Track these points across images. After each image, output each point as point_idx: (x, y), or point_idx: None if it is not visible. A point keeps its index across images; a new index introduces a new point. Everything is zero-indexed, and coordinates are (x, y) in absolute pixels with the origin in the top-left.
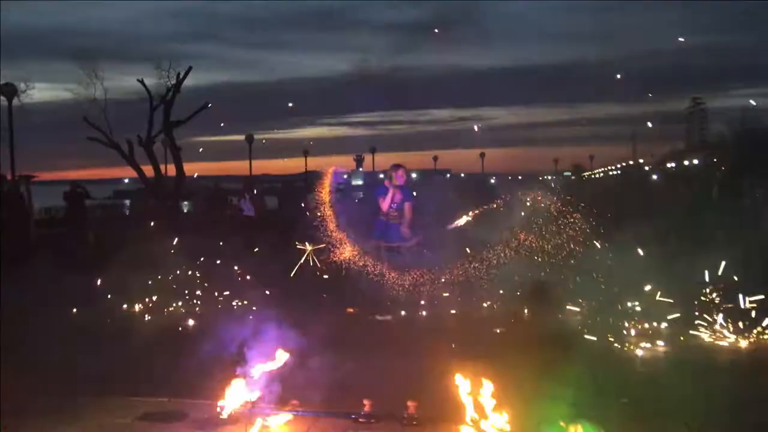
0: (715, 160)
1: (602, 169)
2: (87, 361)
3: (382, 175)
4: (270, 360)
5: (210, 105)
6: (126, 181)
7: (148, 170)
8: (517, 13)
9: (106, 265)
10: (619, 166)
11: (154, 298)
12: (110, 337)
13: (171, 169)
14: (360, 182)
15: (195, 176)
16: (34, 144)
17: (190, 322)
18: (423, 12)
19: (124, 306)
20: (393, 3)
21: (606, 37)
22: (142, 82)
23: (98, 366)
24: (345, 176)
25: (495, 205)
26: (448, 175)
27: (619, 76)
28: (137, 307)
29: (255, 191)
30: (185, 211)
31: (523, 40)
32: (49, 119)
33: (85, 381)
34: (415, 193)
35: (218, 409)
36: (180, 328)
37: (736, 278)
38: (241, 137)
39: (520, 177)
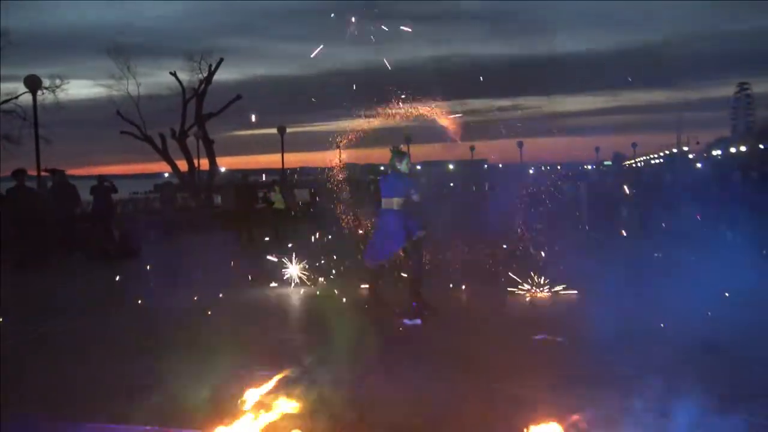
0: (761, 146)
1: (645, 157)
2: None
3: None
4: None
5: (242, 97)
6: (166, 175)
7: (183, 165)
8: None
9: None
10: (662, 153)
11: None
12: None
13: (204, 164)
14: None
15: (223, 170)
16: (72, 140)
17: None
18: (462, 3)
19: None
20: None
21: (649, 23)
22: (174, 74)
23: None
24: (381, 168)
25: None
26: (486, 166)
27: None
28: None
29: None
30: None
31: (563, 28)
32: (88, 115)
33: None
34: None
35: None
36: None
37: None
38: (275, 130)
39: (558, 167)
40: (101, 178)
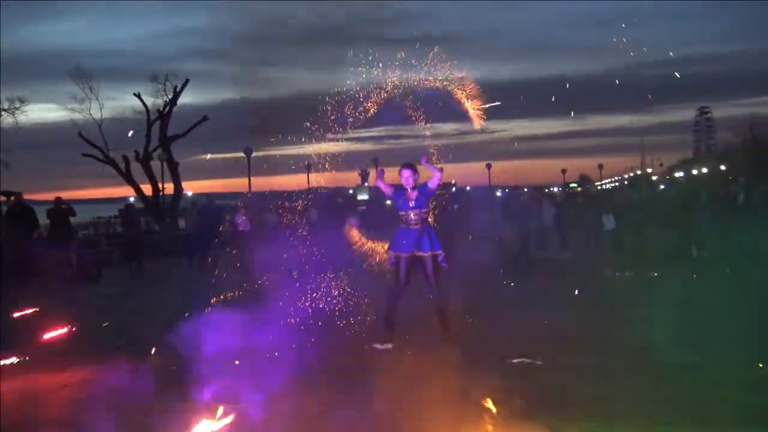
0: (722, 167)
1: (611, 178)
2: None
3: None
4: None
5: (209, 118)
6: (131, 199)
7: (148, 189)
8: (521, 26)
9: None
10: (627, 176)
11: None
12: None
13: (169, 187)
14: (365, 197)
15: (189, 193)
16: (34, 163)
17: None
18: (426, 27)
19: None
20: (396, 19)
21: (611, 48)
22: (138, 96)
23: None
24: (350, 191)
25: None
26: (453, 189)
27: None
28: None
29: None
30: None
31: (528, 53)
32: (51, 139)
33: None
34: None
35: None
36: None
37: None
38: (242, 153)
39: (525, 189)
40: (58, 200)
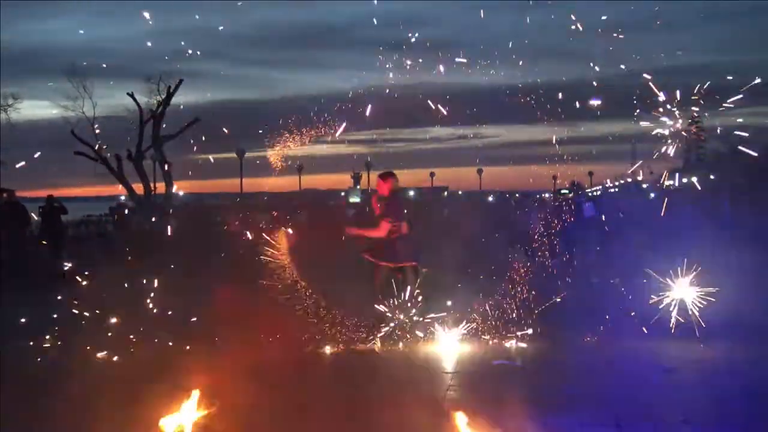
0: (711, 177)
1: (601, 185)
2: None
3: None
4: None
5: (200, 120)
6: (122, 198)
7: (140, 188)
8: (516, 31)
9: None
10: (617, 182)
11: None
12: None
13: (161, 187)
14: (357, 200)
15: (181, 193)
16: (26, 161)
17: None
18: (422, 31)
19: None
20: (392, 22)
21: (604, 56)
22: (132, 95)
23: None
24: (342, 194)
25: None
26: (446, 193)
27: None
28: None
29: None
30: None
31: (523, 58)
32: (44, 136)
33: None
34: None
35: None
36: None
37: None
38: (234, 154)
39: (517, 195)
40: (50, 198)
